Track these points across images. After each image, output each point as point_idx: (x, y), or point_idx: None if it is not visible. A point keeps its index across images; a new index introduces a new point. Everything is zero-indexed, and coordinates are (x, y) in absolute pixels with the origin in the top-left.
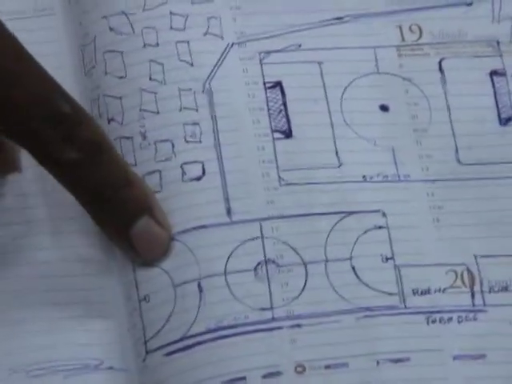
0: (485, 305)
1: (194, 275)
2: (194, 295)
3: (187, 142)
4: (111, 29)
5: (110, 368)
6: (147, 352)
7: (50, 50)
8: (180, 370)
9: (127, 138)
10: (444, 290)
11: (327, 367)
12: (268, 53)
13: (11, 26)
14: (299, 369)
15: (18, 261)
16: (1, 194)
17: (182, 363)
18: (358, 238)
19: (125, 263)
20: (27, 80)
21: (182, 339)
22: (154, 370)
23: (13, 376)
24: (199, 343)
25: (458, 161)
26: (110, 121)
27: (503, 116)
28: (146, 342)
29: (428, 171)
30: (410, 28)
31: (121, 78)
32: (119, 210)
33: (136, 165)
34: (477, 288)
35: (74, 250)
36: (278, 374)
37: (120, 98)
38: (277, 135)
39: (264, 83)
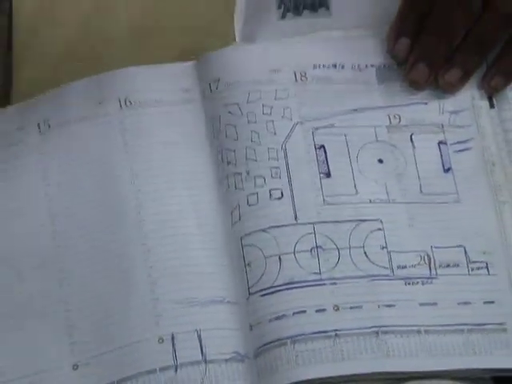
0: (436, 275)
1: (276, 252)
2: (276, 264)
3: (273, 177)
4: (229, 112)
5: (229, 302)
6: (250, 294)
7: (190, 121)
8: (268, 305)
9: (238, 173)
10: (414, 266)
11: (352, 308)
12: (317, 129)
13: (159, 111)
14: (335, 308)
15: None
16: None
17: (269, 301)
18: (367, 235)
19: (238, 247)
20: None
21: (270, 287)
22: (253, 303)
23: (174, 306)
24: (280, 290)
25: (421, 192)
26: (228, 163)
27: (446, 167)
28: (249, 288)
29: (405, 197)
30: (394, 116)
31: (234, 140)
32: None
33: (243, 189)
34: (432, 265)
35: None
36: (323, 310)
37: (234, 150)
38: (322, 176)
39: (314, 146)
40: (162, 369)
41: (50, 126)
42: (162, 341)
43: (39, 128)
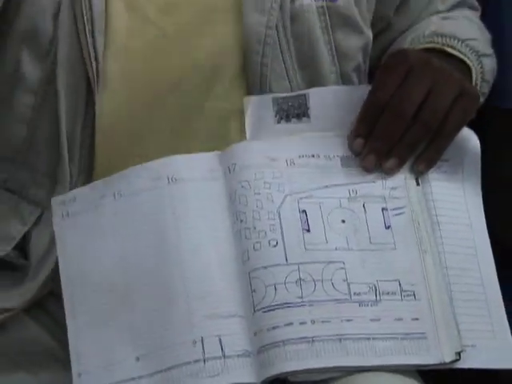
0: (380, 300)
1: (272, 282)
2: (272, 290)
3: (271, 231)
4: (242, 186)
5: (240, 316)
6: (255, 311)
7: (216, 192)
8: (267, 318)
9: (248, 228)
10: (365, 293)
11: (323, 322)
12: (301, 198)
13: (195, 185)
14: (312, 322)
15: None
16: None
17: (268, 316)
18: (334, 272)
19: (246, 279)
20: None
21: (268, 307)
22: (257, 317)
23: (203, 319)
24: (275, 309)
25: (370, 242)
26: (241, 221)
27: (387, 225)
28: (254, 307)
29: (359, 246)
30: (352, 190)
31: (245, 205)
32: None
33: (251, 239)
34: (377, 293)
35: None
36: (304, 323)
37: (245, 212)
38: (304, 231)
39: (299, 210)
40: (195, 361)
41: (121, 195)
42: (195, 342)
43: (114, 196)
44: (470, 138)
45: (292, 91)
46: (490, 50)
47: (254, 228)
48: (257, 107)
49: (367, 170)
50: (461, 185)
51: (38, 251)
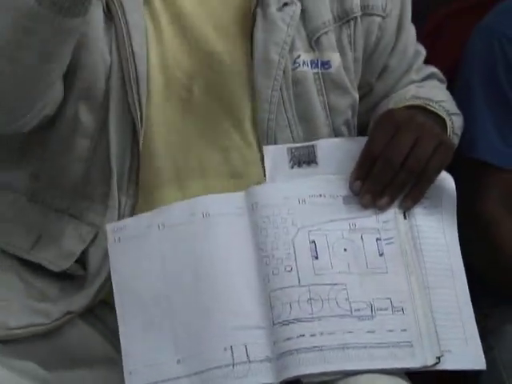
0: (375, 315)
1: (288, 301)
2: (288, 308)
3: (286, 259)
4: (263, 221)
5: (262, 328)
6: (273, 324)
7: (242, 225)
8: (284, 331)
9: (267, 256)
10: (363, 309)
11: (329, 334)
12: (310, 231)
13: (225, 219)
14: (320, 334)
15: None
16: None
17: (285, 329)
18: (337, 292)
19: (267, 298)
20: None
21: (285, 321)
22: (276, 330)
23: (232, 330)
24: (291, 323)
25: (367, 267)
26: (261, 250)
27: (380, 253)
28: (273, 321)
29: (358, 270)
30: (352, 224)
31: (265, 237)
32: None
33: (270, 265)
34: (373, 309)
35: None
36: (314, 335)
37: (265, 243)
38: (313, 258)
39: (309, 241)
40: (225, 365)
41: (164, 226)
42: (226, 349)
43: (159, 227)
44: (447, 180)
45: (293, 141)
46: (457, 110)
47: (273, 256)
48: (274, 155)
49: (364, 206)
50: (440, 218)
51: (94, 264)
